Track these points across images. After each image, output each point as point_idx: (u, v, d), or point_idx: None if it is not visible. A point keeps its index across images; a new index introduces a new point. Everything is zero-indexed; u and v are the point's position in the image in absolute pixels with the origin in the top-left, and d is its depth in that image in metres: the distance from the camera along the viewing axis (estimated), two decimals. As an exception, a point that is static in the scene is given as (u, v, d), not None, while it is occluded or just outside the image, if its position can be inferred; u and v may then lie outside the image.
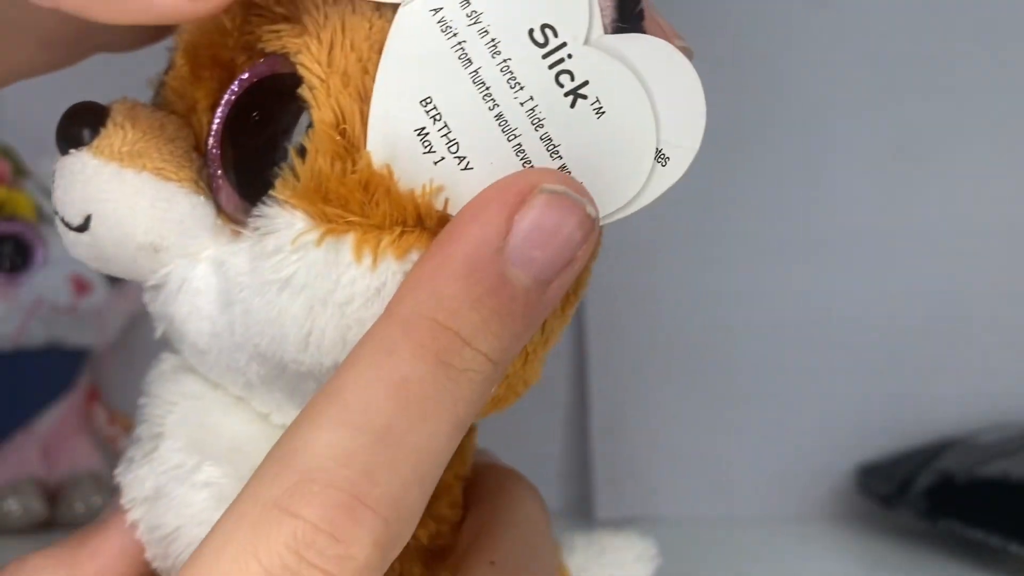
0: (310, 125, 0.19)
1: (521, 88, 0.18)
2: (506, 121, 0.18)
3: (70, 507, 0.53)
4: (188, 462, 0.22)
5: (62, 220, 0.20)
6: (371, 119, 0.18)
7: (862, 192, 0.58)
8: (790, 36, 0.59)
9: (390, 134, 0.18)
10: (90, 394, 0.59)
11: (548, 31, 0.18)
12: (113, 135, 0.20)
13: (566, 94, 0.18)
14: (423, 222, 0.18)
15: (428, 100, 0.18)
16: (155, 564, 0.22)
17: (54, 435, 0.56)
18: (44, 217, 0.54)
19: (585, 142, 0.18)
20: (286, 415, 0.22)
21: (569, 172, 0.18)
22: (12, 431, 0.55)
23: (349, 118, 0.18)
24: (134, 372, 0.67)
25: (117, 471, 0.23)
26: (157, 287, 0.21)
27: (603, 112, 0.18)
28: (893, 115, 0.58)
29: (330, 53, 0.18)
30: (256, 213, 0.19)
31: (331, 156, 0.18)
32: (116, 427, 0.59)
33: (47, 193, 0.55)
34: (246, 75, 0.20)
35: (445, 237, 0.17)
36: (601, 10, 0.18)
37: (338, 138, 0.18)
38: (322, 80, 0.18)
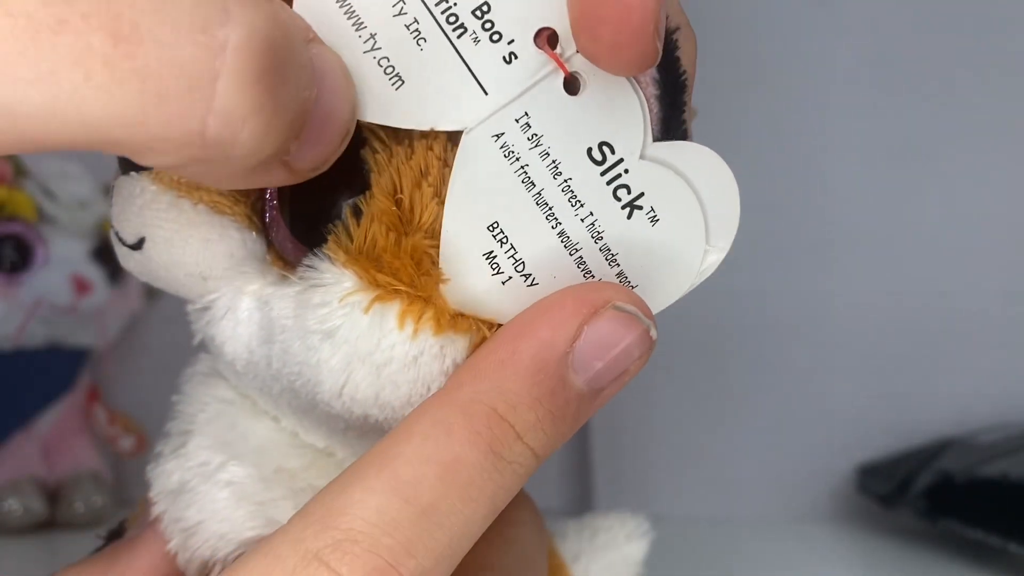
0: (368, 188, 0.19)
1: (582, 206, 0.19)
2: (568, 237, 0.19)
3: (70, 507, 0.53)
4: (214, 460, 0.22)
5: (117, 235, 0.21)
6: (442, 243, 0.18)
7: (862, 192, 0.58)
8: (791, 36, 0.59)
9: (460, 260, 0.19)
10: (90, 394, 0.59)
11: (606, 148, 0.19)
12: None
13: (623, 207, 0.19)
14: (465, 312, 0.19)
15: (495, 224, 0.19)
16: (178, 556, 0.23)
17: (54, 435, 0.56)
18: (44, 217, 0.54)
19: (641, 250, 0.19)
20: (314, 436, 0.23)
21: (626, 278, 0.19)
22: (12, 431, 0.55)
23: (407, 188, 0.19)
24: (134, 372, 0.68)
25: (148, 467, 0.24)
26: (202, 309, 0.22)
27: (657, 220, 0.19)
28: (893, 115, 0.58)
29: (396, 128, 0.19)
30: (307, 263, 0.20)
31: (386, 225, 0.19)
32: (116, 427, 0.59)
33: (47, 193, 0.55)
34: None
35: (514, 332, 0.18)
36: (651, 121, 0.19)
37: (394, 208, 0.19)
38: (385, 145, 0.19)
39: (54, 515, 0.53)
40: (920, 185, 0.58)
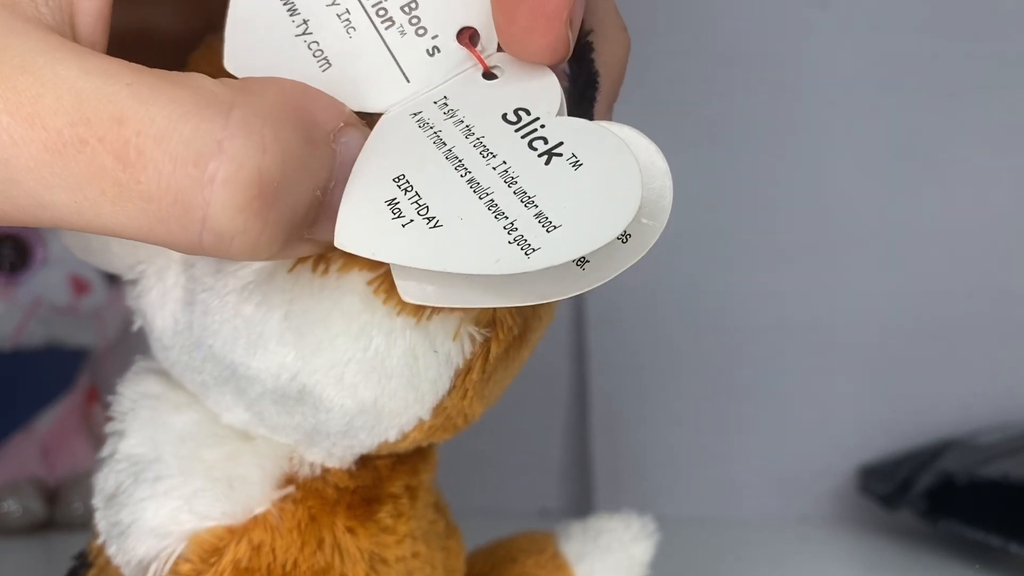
0: None
1: (494, 156, 0.19)
2: (478, 183, 0.19)
3: (69, 507, 0.53)
4: (142, 458, 0.23)
5: None
6: (342, 205, 0.18)
7: (863, 192, 0.58)
8: (791, 37, 0.59)
9: (359, 210, 0.18)
10: (89, 394, 0.59)
11: (521, 112, 0.19)
12: None
13: (540, 155, 0.19)
14: None
15: (401, 176, 0.19)
16: (115, 561, 0.23)
17: (53, 435, 0.56)
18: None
19: (564, 192, 0.18)
20: (234, 416, 0.23)
21: (546, 217, 0.18)
22: (11, 431, 0.55)
23: None
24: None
25: (94, 473, 0.24)
26: (133, 282, 0.23)
27: (580, 164, 0.19)
28: (894, 116, 0.58)
29: None
30: None
31: None
32: (116, 427, 0.59)
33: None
34: None
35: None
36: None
37: None
38: None
39: (53, 516, 0.53)
40: (921, 185, 0.58)
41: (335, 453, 0.24)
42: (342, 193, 0.18)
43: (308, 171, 0.17)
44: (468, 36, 0.20)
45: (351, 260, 0.20)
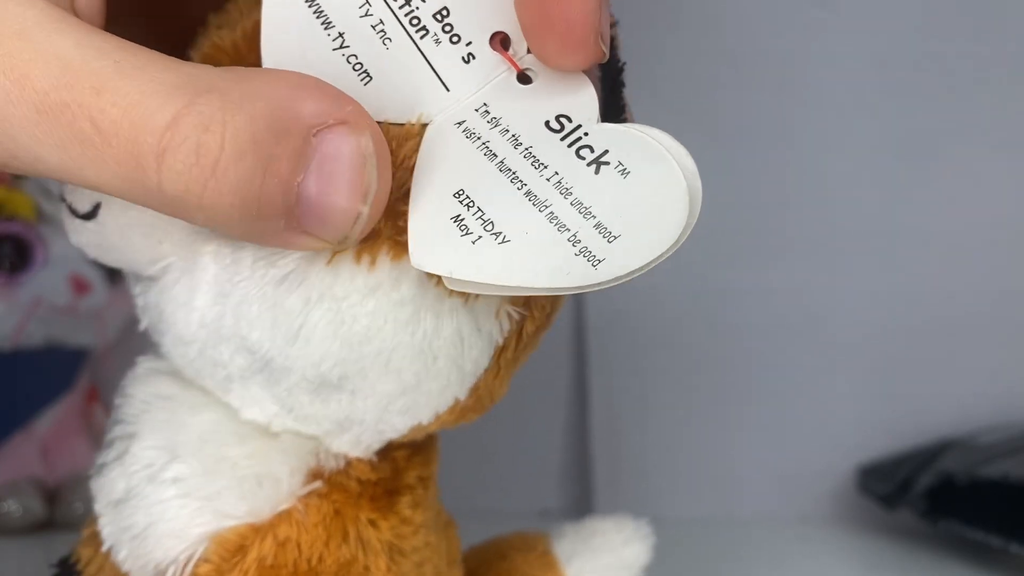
0: None
1: (545, 167, 0.19)
2: (535, 196, 0.19)
3: (69, 507, 0.53)
4: (158, 460, 0.22)
5: (70, 207, 0.22)
6: (410, 223, 0.19)
7: (863, 192, 0.58)
8: (791, 36, 0.59)
9: (428, 228, 0.19)
10: (89, 394, 0.59)
11: (563, 119, 0.20)
12: None
13: (588, 164, 0.19)
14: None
15: (461, 191, 0.19)
16: (125, 566, 0.22)
17: (53, 435, 0.56)
18: (44, 217, 0.54)
19: (617, 201, 0.19)
20: (259, 410, 0.23)
21: (606, 228, 0.19)
22: (11, 431, 0.55)
23: None
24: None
25: (91, 481, 0.24)
26: (153, 278, 0.22)
27: (628, 172, 0.19)
28: (894, 116, 0.58)
29: None
30: None
31: None
32: (116, 427, 0.59)
33: (47, 193, 0.55)
34: None
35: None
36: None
37: None
38: None
39: (53, 516, 0.53)
40: (921, 185, 0.58)
41: (363, 441, 0.23)
42: (328, 190, 0.18)
43: (263, 156, 0.18)
44: (500, 40, 0.20)
45: (402, 246, 0.20)
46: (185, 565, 0.22)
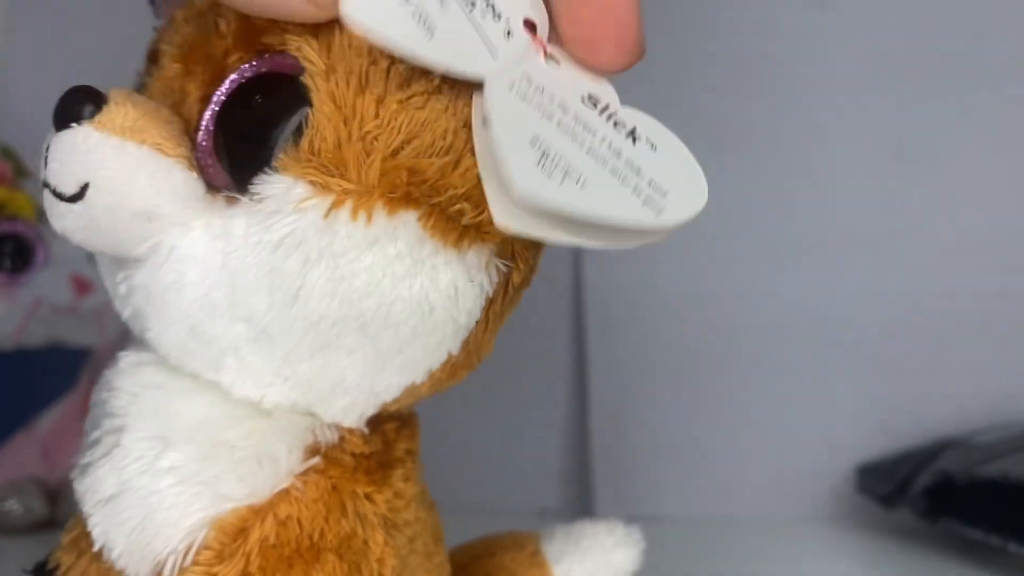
0: (305, 113, 0.21)
1: (595, 132, 0.21)
2: (596, 153, 0.21)
3: (71, 507, 0.53)
4: (152, 450, 0.22)
5: (54, 191, 0.21)
6: (506, 164, 0.20)
7: (861, 192, 0.58)
8: (789, 37, 0.59)
9: (523, 165, 0.20)
10: (91, 394, 0.59)
11: (591, 99, 0.22)
12: (115, 112, 0.21)
13: (626, 135, 0.22)
14: (411, 193, 0.21)
15: (536, 138, 0.21)
16: (120, 563, 0.22)
17: (55, 435, 0.56)
18: (45, 217, 0.55)
19: (656, 166, 0.22)
20: (253, 384, 0.23)
21: (658, 185, 0.21)
22: (13, 431, 0.55)
23: (350, 97, 0.21)
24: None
25: (75, 482, 0.24)
26: (139, 260, 0.22)
27: (655, 147, 0.22)
28: (892, 116, 0.58)
29: (329, 50, 0.21)
30: (255, 181, 0.21)
31: (332, 128, 0.21)
32: (117, 427, 0.59)
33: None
34: (247, 68, 0.21)
35: None
36: None
37: (338, 113, 0.21)
38: (321, 69, 0.21)
39: (54, 515, 0.53)
40: (918, 186, 0.58)
41: (358, 407, 0.23)
42: None
43: None
44: (530, 26, 0.22)
45: (397, 201, 0.21)
46: (185, 554, 0.21)
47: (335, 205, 0.21)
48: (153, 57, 0.24)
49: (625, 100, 0.24)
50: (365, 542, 0.23)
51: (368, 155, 0.21)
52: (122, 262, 0.22)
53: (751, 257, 0.58)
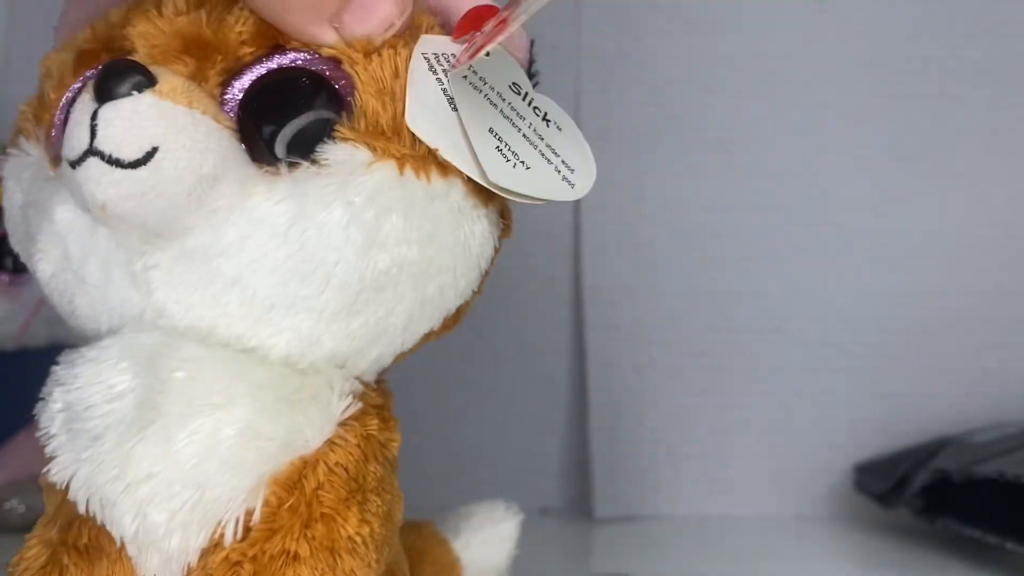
0: (345, 96, 0.24)
1: (523, 117, 0.26)
2: (527, 138, 0.25)
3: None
4: (209, 420, 0.23)
5: (108, 158, 0.21)
6: (477, 151, 0.24)
7: (859, 193, 0.59)
8: (789, 38, 0.59)
9: (488, 153, 0.24)
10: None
11: (516, 85, 0.26)
12: (175, 81, 0.22)
13: (542, 119, 0.26)
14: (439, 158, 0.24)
15: (491, 130, 0.25)
16: (163, 544, 0.22)
17: (57, 434, 0.57)
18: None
19: (564, 146, 0.26)
20: (298, 343, 0.24)
21: (567, 164, 0.26)
22: (15, 431, 0.55)
23: (388, 81, 0.24)
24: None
25: (57, 478, 0.23)
26: (188, 229, 0.22)
27: (561, 129, 0.26)
28: (891, 117, 0.59)
29: (364, 43, 0.24)
30: (319, 150, 0.23)
31: (381, 105, 0.23)
32: (118, 426, 0.59)
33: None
34: (285, 58, 0.24)
35: None
36: None
37: (385, 93, 0.24)
38: (361, 58, 0.24)
39: (57, 514, 0.53)
40: (915, 186, 0.58)
41: (383, 358, 0.26)
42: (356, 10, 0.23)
43: None
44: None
45: (443, 166, 0.24)
46: (249, 514, 0.22)
47: (400, 166, 0.23)
48: (90, 54, 0.25)
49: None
50: (392, 485, 0.25)
51: (407, 130, 0.24)
52: (167, 236, 0.22)
53: (750, 257, 0.58)
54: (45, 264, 0.25)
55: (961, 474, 0.47)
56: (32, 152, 0.26)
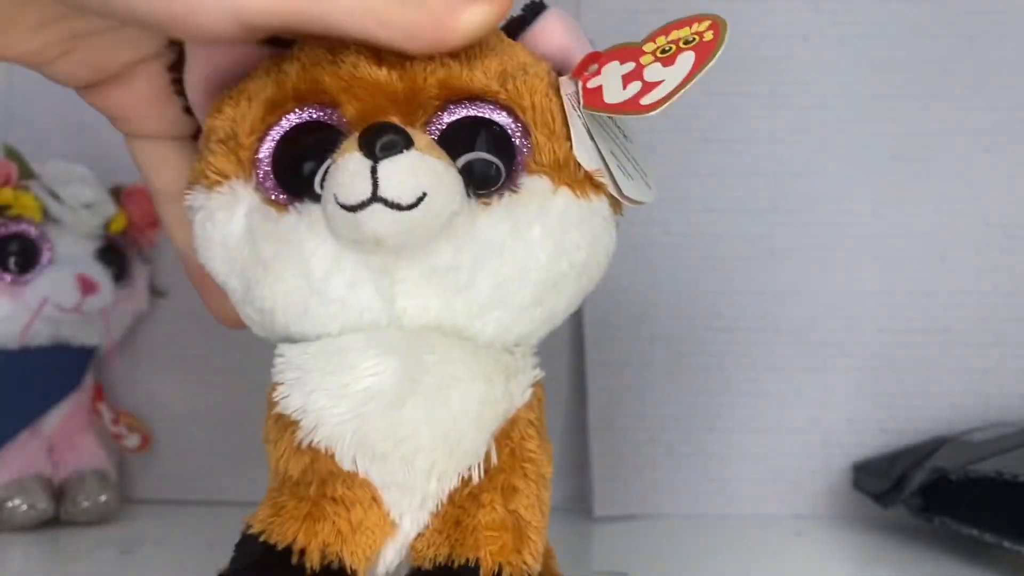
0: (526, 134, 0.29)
1: (615, 136, 0.30)
2: (625, 153, 0.31)
3: (76, 504, 0.53)
4: (472, 388, 0.29)
5: (390, 203, 0.26)
6: (614, 172, 0.29)
7: (857, 193, 0.59)
8: (784, 42, 0.59)
9: (616, 173, 0.29)
10: (96, 393, 0.59)
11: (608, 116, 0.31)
12: (425, 138, 0.28)
13: (623, 135, 0.31)
14: (594, 181, 0.30)
15: (612, 152, 0.30)
16: (429, 487, 0.29)
17: (60, 434, 0.57)
18: (50, 218, 0.55)
19: (636, 153, 0.31)
20: (500, 328, 0.29)
21: (643, 171, 0.31)
22: (18, 430, 0.55)
23: (551, 123, 0.29)
24: (139, 371, 0.68)
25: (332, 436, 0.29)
26: (431, 249, 0.28)
27: (629, 138, 0.31)
28: (890, 118, 0.59)
29: (531, 99, 0.29)
30: (519, 181, 0.29)
31: (551, 142, 0.29)
32: (121, 426, 0.59)
33: (53, 195, 0.55)
34: (475, 111, 0.29)
35: None
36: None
37: (553, 144, 0.29)
38: (527, 110, 0.29)
39: (59, 513, 0.54)
40: (914, 187, 0.59)
41: (545, 334, 0.32)
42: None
43: None
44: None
45: (596, 186, 0.30)
46: (488, 459, 0.29)
47: (572, 191, 0.29)
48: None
49: None
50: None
51: (572, 161, 0.29)
52: (394, 259, 0.28)
53: (749, 257, 0.59)
54: (279, 284, 0.29)
55: (959, 473, 0.47)
56: (240, 190, 0.30)
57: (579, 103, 0.29)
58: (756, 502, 0.57)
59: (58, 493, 0.54)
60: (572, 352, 0.60)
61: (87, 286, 0.55)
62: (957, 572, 0.45)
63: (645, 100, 0.28)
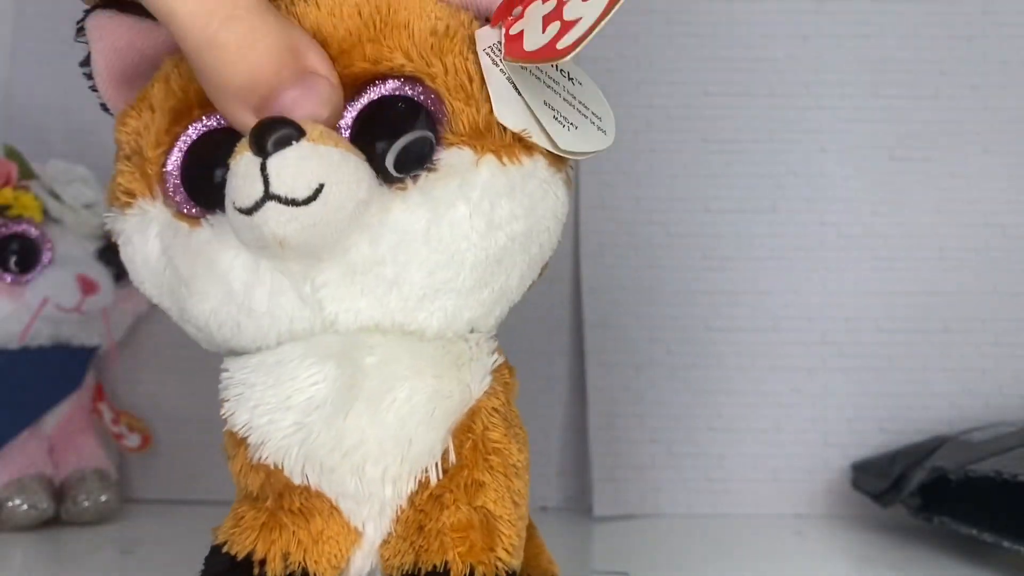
0: (436, 110, 0.27)
1: (558, 82, 0.28)
2: (568, 100, 0.28)
3: (76, 504, 0.53)
4: (418, 388, 0.27)
5: (284, 199, 0.25)
6: (546, 124, 0.27)
7: (856, 193, 0.59)
8: (787, 40, 0.59)
9: (553, 125, 0.27)
10: (96, 393, 0.59)
11: None
12: (320, 129, 0.26)
13: (568, 79, 0.29)
14: (526, 142, 0.28)
15: (546, 102, 0.28)
16: (387, 491, 0.27)
17: (60, 433, 0.57)
18: (50, 218, 0.55)
19: (588, 97, 0.29)
20: (446, 319, 0.28)
21: (596, 115, 0.29)
22: (19, 429, 0.55)
23: (468, 85, 0.27)
24: (139, 371, 0.68)
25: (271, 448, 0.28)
26: (346, 247, 0.26)
27: (581, 83, 0.29)
28: (889, 118, 0.59)
29: (442, 66, 0.28)
30: (436, 156, 0.27)
31: (469, 107, 0.27)
32: (122, 425, 0.59)
33: (53, 195, 0.55)
34: (377, 93, 0.27)
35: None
36: None
37: (473, 107, 0.27)
38: (443, 78, 0.27)
39: (60, 512, 0.54)
40: (912, 186, 0.59)
41: (501, 315, 0.30)
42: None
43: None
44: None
45: (527, 147, 0.28)
46: (444, 457, 0.27)
47: (498, 157, 0.27)
48: None
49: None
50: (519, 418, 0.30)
51: (495, 124, 0.27)
52: (312, 262, 0.26)
53: (749, 257, 0.59)
54: (204, 303, 0.28)
55: (958, 473, 0.47)
56: (150, 209, 0.29)
57: (500, 55, 0.27)
58: (756, 502, 0.57)
59: (59, 493, 0.54)
60: (572, 352, 0.60)
61: (87, 286, 0.55)
62: (956, 572, 0.45)
63: (561, 43, 0.26)
